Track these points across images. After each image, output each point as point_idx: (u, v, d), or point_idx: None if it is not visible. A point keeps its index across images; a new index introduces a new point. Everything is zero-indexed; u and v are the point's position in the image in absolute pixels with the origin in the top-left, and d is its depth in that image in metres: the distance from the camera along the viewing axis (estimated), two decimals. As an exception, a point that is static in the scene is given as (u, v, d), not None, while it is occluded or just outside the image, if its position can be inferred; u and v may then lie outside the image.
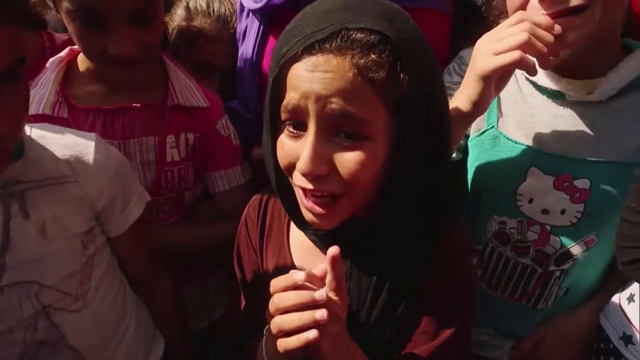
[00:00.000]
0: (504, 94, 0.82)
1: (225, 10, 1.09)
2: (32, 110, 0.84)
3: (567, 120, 0.78)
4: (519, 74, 0.82)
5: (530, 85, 0.81)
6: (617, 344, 0.77)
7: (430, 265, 0.64)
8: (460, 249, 0.68)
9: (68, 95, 0.89)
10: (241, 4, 1.07)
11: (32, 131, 0.70)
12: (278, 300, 0.55)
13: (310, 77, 0.54)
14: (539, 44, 0.64)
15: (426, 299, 0.64)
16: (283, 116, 0.58)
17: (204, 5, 1.07)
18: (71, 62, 0.92)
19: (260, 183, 0.82)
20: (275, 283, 0.56)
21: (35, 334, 0.68)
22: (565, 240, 0.80)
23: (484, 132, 0.82)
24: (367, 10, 0.54)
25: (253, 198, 0.78)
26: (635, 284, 0.78)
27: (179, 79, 0.96)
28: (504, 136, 0.80)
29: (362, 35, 0.53)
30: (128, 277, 0.86)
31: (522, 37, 0.64)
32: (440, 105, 0.60)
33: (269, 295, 0.68)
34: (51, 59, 0.91)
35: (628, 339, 0.76)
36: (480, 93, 0.69)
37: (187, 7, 1.08)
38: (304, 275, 0.54)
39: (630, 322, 0.76)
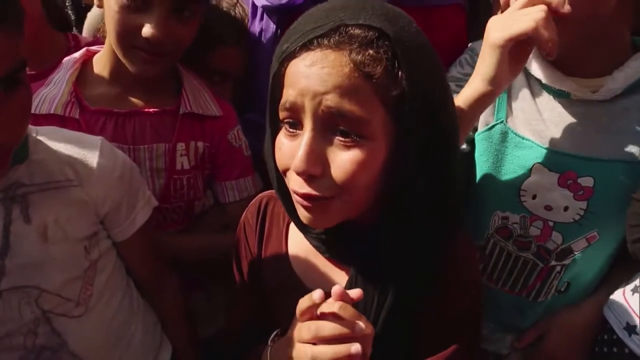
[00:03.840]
0: (513, 90, 0.81)
1: (243, 17, 1.05)
2: (43, 110, 0.83)
3: (573, 118, 0.77)
4: (527, 71, 0.82)
5: (537, 84, 0.80)
6: (620, 334, 0.77)
7: (436, 270, 0.61)
8: (466, 253, 0.66)
9: (81, 96, 0.87)
10: (253, 4, 1.02)
11: (39, 133, 0.69)
12: (316, 328, 0.52)
13: (308, 72, 0.52)
14: (552, 24, 0.63)
15: (433, 305, 0.61)
16: (281, 115, 0.56)
17: (219, 12, 1.04)
18: (86, 62, 0.90)
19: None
20: (306, 305, 0.53)
21: (35, 339, 0.66)
22: (567, 237, 0.80)
23: (492, 127, 0.81)
24: (366, 8, 0.54)
25: (252, 202, 0.76)
26: None
27: (192, 87, 0.94)
28: (512, 132, 0.79)
29: (360, 31, 0.52)
30: (135, 281, 0.83)
31: (540, 14, 0.62)
32: (441, 107, 0.57)
33: (271, 302, 0.68)
34: (66, 58, 0.89)
35: (632, 329, 0.76)
36: (495, 65, 0.66)
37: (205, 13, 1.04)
38: (339, 306, 0.52)
39: (635, 313, 0.76)
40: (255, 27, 1.03)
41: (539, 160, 0.78)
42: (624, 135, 0.75)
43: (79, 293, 0.69)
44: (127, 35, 0.82)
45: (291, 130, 0.56)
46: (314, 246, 0.66)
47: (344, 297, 0.53)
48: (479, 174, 0.86)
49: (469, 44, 0.91)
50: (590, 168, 0.76)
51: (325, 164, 0.54)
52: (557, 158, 0.78)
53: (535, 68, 0.80)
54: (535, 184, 0.79)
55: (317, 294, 0.53)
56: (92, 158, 0.70)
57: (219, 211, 1.02)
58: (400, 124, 0.55)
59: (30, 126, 0.66)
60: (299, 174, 0.54)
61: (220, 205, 1.02)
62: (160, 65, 0.87)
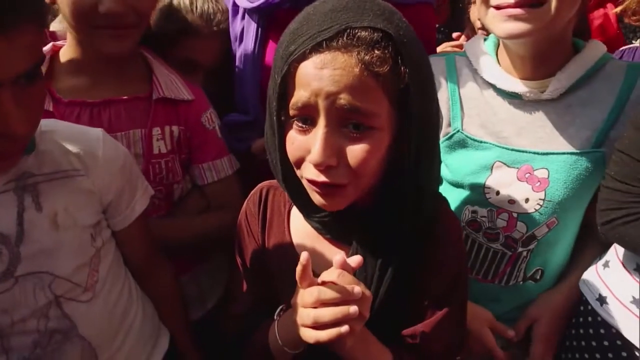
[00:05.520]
0: (466, 99, 0.89)
1: (209, 7, 1.07)
2: None
3: (525, 117, 0.85)
4: (477, 74, 0.89)
5: (490, 89, 0.88)
6: (593, 304, 0.84)
7: (430, 243, 0.68)
8: (455, 228, 0.72)
9: (52, 90, 0.87)
10: (234, 4, 1.06)
11: (42, 125, 0.69)
12: (318, 293, 0.58)
13: (319, 74, 0.56)
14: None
15: (426, 279, 0.67)
16: (292, 112, 0.60)
17: (187, 2, 1.06)
18: (54, 57, 0.90)
19: (255, 175, 0.84)
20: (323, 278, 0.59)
21: (47, 323, 0.68)
22: (530, 225, 0.87)
23: (451, 136, 0.88)
24: (367, 10, 0.57)
25: (252, 192, 0.80)
26: (611, 251, 0.85)
27: (162, 73, 0.95)
28: (470, 137, 0.87)
29: (365, 34, 0.55)
30: (131, 270, 0.85)
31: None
32: (432, 92, 0.64)
33: (276, 285, 0.72)
34: None
35: (603, 299, 0.82)
36: None
37: (170, 4, 1.06)
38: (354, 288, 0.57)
39: (606, 285, 0.83)
40: (237, 26, 1.07)
41: (499, 159, 0.85)
42: (570, 129, 0.83)
43: (86, 279, 0.72)
44: (85, 16, 0.81)
45: (303, 126, 0.60)
46: (316, 228, 0.70)
47: (344, 266, 0.59)
48: (445, 174, 0.92)
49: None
50: (544, 161, 0.84)
51: (340, 155, 0.58)
52: (514, 155, 0.85)
53: (488, 75, 0.87)
54: (497, 180, 0.86)
55: (303, 256, 0.58)
56: (96, 149, 0.73)
57: (198, 194, 1.03)
58: (402, 113, 0.60)
59: None
60: (317, 165, 0.58)
61: (199, 188, 1.03)
62: (130, 40, 0.87)
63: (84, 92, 0.89)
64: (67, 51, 0.90)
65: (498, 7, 0.76)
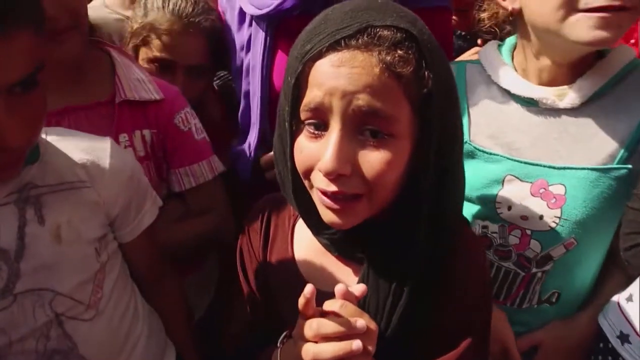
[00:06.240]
0: (475, 103, 0.83)
1: (180, 2, 1.03)
2: None
3: (541, 127, 0.78)
4: (491, 82, 0.83)
5: (504, 95, 0.82)
6: (614, 342, 0.76)
7: (450, 267, 0.61)
8: (478, 251, 0.66)
9: None
10: (241, 11, 1.01)
11: (48, 134, 0.67)
12: (317, 326, 0.52)
13: (336, 72, 0.51)
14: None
15: (445, 304, 0.60)
16: (303, 115, 0.55)
17: (159, 1, 1.03)
18: None
19: (264, 191, 0.79)
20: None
21: (47, 343, 0.65)
22: (545, 244, 0.80)
23: None
24: (390, 11, 0.54)
25: (255, 206, 0.76)
26: (635, 284, 0.77)
27: (128, 73, 0.89)
28: (478, 149, 0.81)
29: (388, 33, 0.52)
30: (138, 283, 0.82)
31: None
32: (456, 103, 0.59)
33: (279, 305, 0.67)
34: None
35: (625, 337, 0.75)
36: None
37: (144, 5, 1.04)
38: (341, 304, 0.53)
39: (628, 321, 0.75)
40: (244, 34, 1.02)
41: (510, 172, 0.79)
42: (592, 141, 0.75)
43: (89, 296, 0.69)
44: None
45: (315, 132, 0.55)
46: (324, 245, 0.65)
47: (346, 296, 0.53)
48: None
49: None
50: (560, 176, 0.77)
51: (353, 164, 0.53)
52: (526, 168, 0.79)
53: (503, 79, 0.81)
54: (509, 195, 0.80)
55: (307, 288, 0.53)
56: (103, 159, 0.70)
57: (178, 200, 0.98)
58: (424, 121, 0.55)
59: None
60: (327, 174, 0.53)
61: (177, 195, 0.97)
62: (72, 43, 0.80)
63: None
64: None
65: (588, 10, 0.68)
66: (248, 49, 1.02)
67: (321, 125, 0.54)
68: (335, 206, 0.55)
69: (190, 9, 1.03)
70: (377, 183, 0.54)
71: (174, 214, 0.97)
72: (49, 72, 0.82)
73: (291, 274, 0.68)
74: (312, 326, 0.53)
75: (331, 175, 0.53)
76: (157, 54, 1.03)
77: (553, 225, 0.79)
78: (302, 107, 0.55)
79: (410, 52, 0.52)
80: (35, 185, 0.64)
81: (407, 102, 0.53)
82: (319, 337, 0.53)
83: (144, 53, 1.04)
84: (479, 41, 1.54)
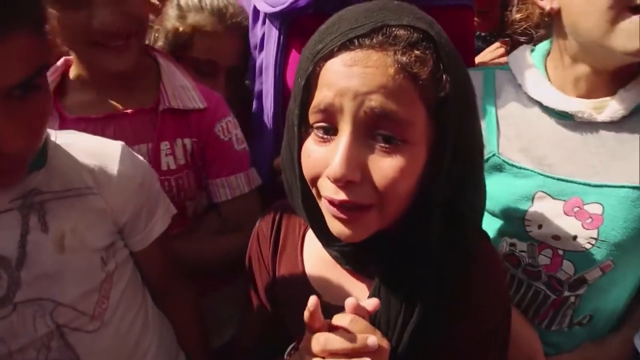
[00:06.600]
0: (505, 114, 0.78)
1: (219, 2, 0.99)
2: None
3: (576, 141, 0.73)
4: (522, 91, 0.77)
5: (536, 107, 0.76)
6: None
7: (466, 284, 0.57)
8: (497, 269, 0.62)
9: (60, 107, 0.84)
10: (255, 9, 0.98)
11: (58, 138, 0.65)
12: (325, 341, 0.49)
13: (348, 72, 0.48)
14: None
15: (460, 323, 0.57)
16: (312, 118, 0.52)
17: (195, 0, 0.99)
18: (66, 72, 0.87)
19: (278, 192, 0.75)
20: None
21: (48, 354, 0.63)
22: (580, 266, 0.74)
23: (485, 160, 0.77)
24: (406, 12, 0.51)
25: (266, 212, 0.74)
26: None
27: (173, 80, 0.88)
28: (507, 162, 0.75)
29: (404, 32, 0.49)
30: (150, 291, 0.79)
31: None
32: (474, 110, 0.55)
33: (286, 316, 0.65)
34: (51, 69, 0.84)
35: None
36: None
37: (179, 5, 0.99)
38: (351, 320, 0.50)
39: None
40: (258, 32, 0.99)
41: (541, 188, 0.74)
42: (632, 158, 0.69)
43: (94, 307, 0.66)
44: (80, 35, 0.77)
45: (324, 136, 0.52)
46: (334, 257, 0.62)
47: (358, 310, 0.50)
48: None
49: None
50: (597, 194, 0.71)
51: (364, 171, 0.50)
52: (560, 185, 0.73)
53: (534, 90, 0.76)
54: (539, 213, 0.75)
55: (311, 301, 0.50)
56: (112, 165, 0.67)
57: (215, 214, 0.96)
58: (441, 127, 0.51)
59: (49, 130, 0.64)
60: (335, 180, 0.50)
61: (216, 206, 0.95)
62: (132, 51, 0.82)
63: (90, 107, 0.85)
64: (74, 67, 0.87)
65: None
66: (261, 48, 0.98)
67: (330, 129, 0.51)
68: (344, 216, 0.52)
69: (232, 9, 1.01)
70: (389, 192, 0.50)
71: (212, 226, 0.95)
72: (99, 79, 0.85)
73: (300, 285, 0.65)
74: (320, 340, 0.50)
75: (339, 182, 0.50)
76: (200, 56, 1.00)
77: (588, 246, 0.73)
78: (311, 109, 0.52)
79: (427, 52, 0.49)
80: (40, 191, 0.62)
81: (422, 106, 0.50)
82: (326, 353, 0.50)
83: (186, 56, 1.00)
84: (499, 42, 1.46)
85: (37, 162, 0.61)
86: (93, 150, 0.68)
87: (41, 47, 0.52)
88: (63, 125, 0.84)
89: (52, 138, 0.65)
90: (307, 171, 0.54)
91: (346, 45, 0.49)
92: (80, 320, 0.66)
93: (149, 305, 0.79)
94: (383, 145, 0.50)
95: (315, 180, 0.54)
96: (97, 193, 0.66)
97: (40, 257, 0.61)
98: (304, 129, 0.54)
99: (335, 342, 0.49)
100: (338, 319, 0.51)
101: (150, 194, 0.74)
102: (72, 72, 0.87)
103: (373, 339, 0.48)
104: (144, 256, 0.76)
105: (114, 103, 0.86)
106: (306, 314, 0.51)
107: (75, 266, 0.64)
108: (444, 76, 0.50)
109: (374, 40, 0.49)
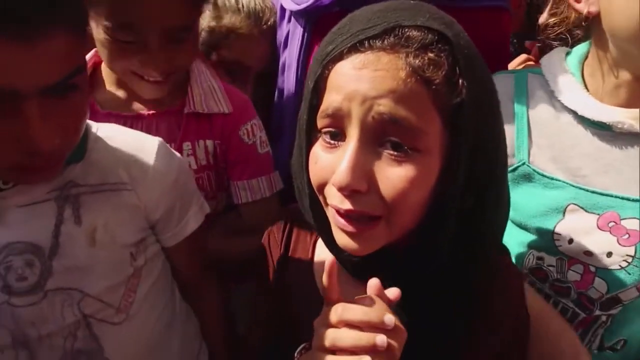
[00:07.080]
0: (537, 121, 0.74)
1: (256, 5, 0.99)
2: None
3: (613, 153, 0.68)
4: (556, 98, 0.73)
5: (570, 115, 0.72)
6: None
7: (483, 303, 0.55)
8: (516, 287, 0.59)
9: (92, 99, 0.85)
10: (282, 7, 0.98)
11: (99, 130, 0.66)
12: (343, 310, 0.47)
13: (358, 75, 0.46)
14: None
15: (475, 341, 0.54)
16: (320, 123, 0.50)
17: (232, 1, 0.99)
18: (97, 65, 0.88)
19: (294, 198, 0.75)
20: (341, 312, 0.48)
21: (74, 342, 0.65)
22: (613, 285, 0.70)
23: (515, 169, 0.74)
24: (423, 12, 0.48)
25: (280, 215, 0.73)
26: None
27: (201, 81, 0.89)
28: (538, 172, 0.72)
29: (418, 33, 0.46)
30: (178, 283, 0.80)
31: None
32: (495, 117, 0.52)
33: (296, 319, 0.64)
34: None
35: None
36: None
37: (216, 5, 0.99)
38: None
39: None
40: (283, 30, 0.99)
41: (574, 201, 0.70)
42: (676, 173, 0.64)
43: (120, 299, 0.67)
44: (124, 67, 0.80)
45: (331, 141, 0.50)
46: (344, 267, 0.60)
47: (380, 292, 0.48)
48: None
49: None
50: (635, 209, 0.66)
51: (371, 180, 0.47)
52: (594, 198, 0.69)
53: (569, 98, 0.72)
54: (571, 226, 0.71)
55: (328, 261, 0.49)
56: (147, 161, 0.67)
57: (236, 214, 0.96)
58: (456, 136, 0.48)
59: (91, 122, 0.66)
60: (341, 189, 0.48)
61: (236, 207, 0.95)
62: (170, 81, 0.84)
63: (121, 104, 0.87)
64: (106, 67, 0.88)
65: None
66: (285, 46, 0.98)
67: (338, 135, 0.49)
68: (350, 228, 0.50)
69: (268, 14, 1.01)
70: (397, 203, 0.48)
71: (232, 225, 0.95)
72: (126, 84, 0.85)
73: (310, 289, 0.63)
74: (337, 310, 0.47)
75: (345, 191, 0.48)
76: (232, 57, 1.00)
77: (624, 264, 0.69)
78: (319, 114, 0.50)
79: (442, 55, 0.46)
80: (77, 184, 0.63)
81: (436, 113, 0.47)
82: (342, 323, 0.47)
83: (218, 55, 1.00)
84: (526, 43, 1.40)
85: (76, 156, 0.62)
86: (131, 144, 0.68)
87: (80, 47, 0.52)
88: (94, 117, 0.84)
89: (94, 130, 0.66)
90: (314, 178, 0.52)
91: (356, 47, 0.47)
92: (106, 312, 0.67)
93: (176, 301, 0.79)
94: (392, 152, 0.47)
95: (322, 187, 0.52)
96: (131, 189, 0.67)
97: (73, 249, 0.62)
98: (313, 134, 0.53)
99: (352, 311, 0.47)
100: (358, 299, 0.49)
101: (184, 191, 0.74)
102: (105, 69, 0.89)
103: (390, 316, 0.46)
104: (175, 251, 0.76)
105: (143, 103, 0.88)
106: (325, 278, 0.49)
107: (105, 260, 0.65)
108: (460, 81, 0.47)
109: (386, 41, 0.46)
